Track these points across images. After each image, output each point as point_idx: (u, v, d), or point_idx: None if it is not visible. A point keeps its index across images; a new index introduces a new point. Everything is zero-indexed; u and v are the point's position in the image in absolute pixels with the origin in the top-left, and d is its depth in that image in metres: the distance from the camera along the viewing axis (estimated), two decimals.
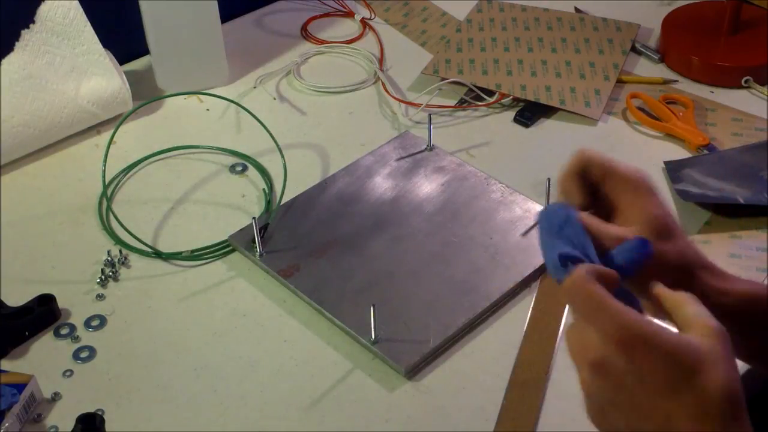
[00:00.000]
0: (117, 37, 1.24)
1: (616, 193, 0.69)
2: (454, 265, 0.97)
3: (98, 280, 0.98)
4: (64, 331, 0.93)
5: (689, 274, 0.67)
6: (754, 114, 1.18)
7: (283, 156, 1.10)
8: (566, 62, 1.25)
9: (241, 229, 1.02)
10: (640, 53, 1.30)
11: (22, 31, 1.11)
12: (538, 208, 1.03)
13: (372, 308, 0.87)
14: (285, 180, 1.08)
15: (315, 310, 0.94)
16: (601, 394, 0.58)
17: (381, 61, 1.30)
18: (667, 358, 0.55)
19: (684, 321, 0.59)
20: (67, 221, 1.07)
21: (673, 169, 1.08)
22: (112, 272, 0.99)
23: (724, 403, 0.56)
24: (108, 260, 1.00)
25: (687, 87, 1.24)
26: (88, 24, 1.15)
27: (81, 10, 1.14)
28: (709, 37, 1.28)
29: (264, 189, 1.10)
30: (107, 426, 0.81)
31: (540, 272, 0.97)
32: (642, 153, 1.13)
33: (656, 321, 0.57)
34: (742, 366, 0.87)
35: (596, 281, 0.58)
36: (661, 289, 0.61)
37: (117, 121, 1.15)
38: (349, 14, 1.40)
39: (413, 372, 0.88)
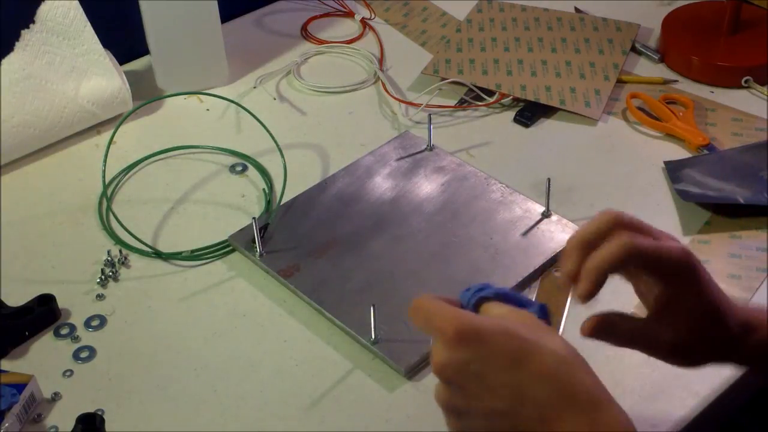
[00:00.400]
0: (117, 37, 1.24)
1: (660, 279, 0.69)
2: (454, 265, 0.97)
3: (98, 280, 0.98)
4: (64, 331, 0.93)
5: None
6: (754, 114, 1.18)
7: (283, 156, 1.10)
8: (566, 62, 1.25)
9: (241, 229, 1.02)
10: (640, 53, 1.30)
11: (22, 31, 1.11)
12: (539, 208, 1.03)
13: (372, 308, 0.87)
14: (285, 180, 1.08)
15: (315, 310, 0.94)
16: (454, 396, 0.63)
17: (381, 61, 1.31)
18: (504, 341, 0.60)
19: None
20: (67, 221, 1.07)
21: (673, 169, 1.08)
22: (112, 272, 0.99)
23: (570, 356, 0.61)
24: (108, 260, 1.00)
25: (687, 87, 1.24)
26: (88, 24, 1.15)
27: (81, 10, 1.14)
28: (709, 37, 1.28)
29: (264, 189, 1.10)
30: (107, 426, 0.81)
31: (540, 272, 0.97)
32: (642, 153, 1.13)
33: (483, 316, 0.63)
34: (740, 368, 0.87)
35: (432, 299, 0.64)
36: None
37: (117, 121, 1.15)
38: (349, 14, 1.40)
39: (413, 372, 0.88)
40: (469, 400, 0.62)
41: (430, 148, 1.12)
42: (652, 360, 0.88)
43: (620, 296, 0.76)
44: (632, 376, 0.87)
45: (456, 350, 0.61)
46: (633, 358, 0.88)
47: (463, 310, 0.64)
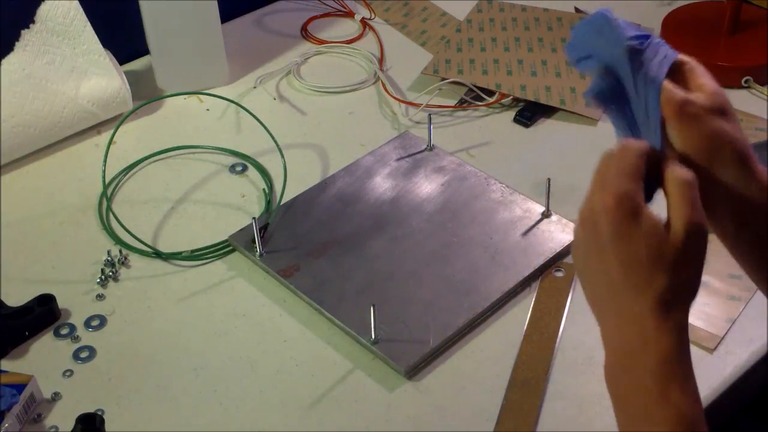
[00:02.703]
0: (117, 37, 1.24)
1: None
2: (454, 265, 0.97)
3: (98, 280, 0.98)
4: (64, 331, 0.93)
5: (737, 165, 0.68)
6: (754, 114, 1.18)
7: (283, 156, 1.10)
8: (566, 62, 1.25)
9: (241, 229, 1.02)
10: None
11: (22, 31, 1.11)
12: (539, 208, 1.03)
13: (372, 308, 0.87)
14: (285, 180, 1.08)
15: (315, 310, 0.94)
16: (580, 238, 0.63)
17: (381, 61, 1.30)
18: (646, 239, 0.60)
19: (675, 212, 0.62)
20: (67, 221, 1.07)
21: None
22: (112, 272, 0.99)
23: (690, 293, 0.62)
24: (108, 260, 1.00)
25: None
26: (88, 24, 1.15)
27: (81, 10, 1.14)
28: (709, 37, 1.28)
29: (264, 189, 1.10)
30: (107, 426, 0.81)
31: (540, 272, 0.97)
32: None
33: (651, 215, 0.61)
34: (743, 365, 0.88)
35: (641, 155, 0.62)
36: (670, 168, 0.63)
37: (117, 121, 1.15)
38: (349, 14, 1.40)
39: (413, 372, 0.88)
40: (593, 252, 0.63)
41: (430, 148, 1.12)
42: None
43: None
44: None
45: (601, 216, 0.61)
46: None
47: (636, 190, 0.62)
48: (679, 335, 0.61)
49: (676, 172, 0.62)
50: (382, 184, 1.08)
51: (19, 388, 0.84)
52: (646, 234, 0.60)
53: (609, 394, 0.63)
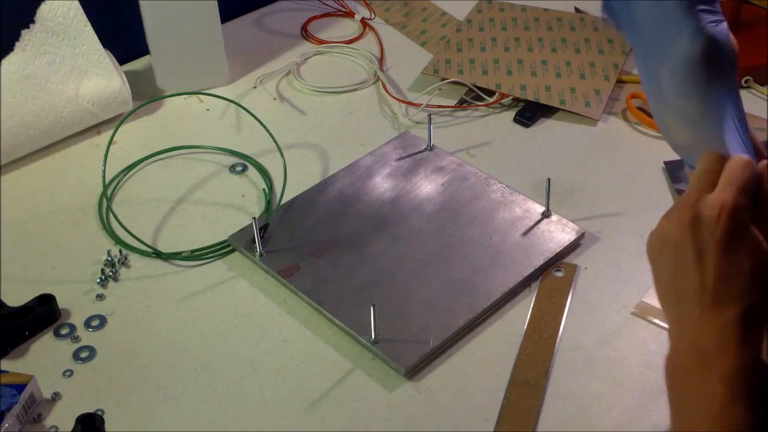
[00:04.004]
0: (117, 37, 1.24)
1: None
2: (454, 265, 0.97)
3: (98, 280, 0.98)
4: (64, 331, 0.93)
5: None
6: (754, 114, 1.18)
7: (283, 156, 1.10)
8: (566, 62, 1.25)
9: (241, 229, 1.02)
10: None
11: (22, 31, 1.11)
12: (539, 208, 1.03)
13: (372, 308, 0.87)
14: (285, 180, 1.08)
15: (315, 310, 0.94)
16: (676, 235, 0.64)
17: (381, 61, 1.31)
18: (748, 256, 0.62)
19: None
20: (67, 221, 1.07)
21: (673, 169, 1.08)
22: (112, 272, 0.99)
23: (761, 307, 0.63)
24: (108, 260, 1.00)
25: None
26: (88, 24, 1.15)
27: (81, 10, 1.14)
28: None
29: (264, 189, 1.10)
30: (107, 426, 0.81)
31: (540, 272, 0.97)
32: (642, 153, 1.13)
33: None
34: None
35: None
36: None
37: (117, 121, 1.15)
38: (349, 14, 1.40)
39: (413, 372, 0.88)
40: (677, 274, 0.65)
41: (430, 148, 1.12)
42: (652, 360, 0.88)
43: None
44: (633, 377, 0.87)
45: (680, 230, 0.64)
46: (633, 359, 0.89)
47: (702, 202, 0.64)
48: (756, 351, 0.62)
49: None
50: (382, 184, 1.08)
51: (19, 388, 0.84)
52: (750, 251, 0.62)
53: (667, 387, 0.65)
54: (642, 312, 0.92)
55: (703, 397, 0.62)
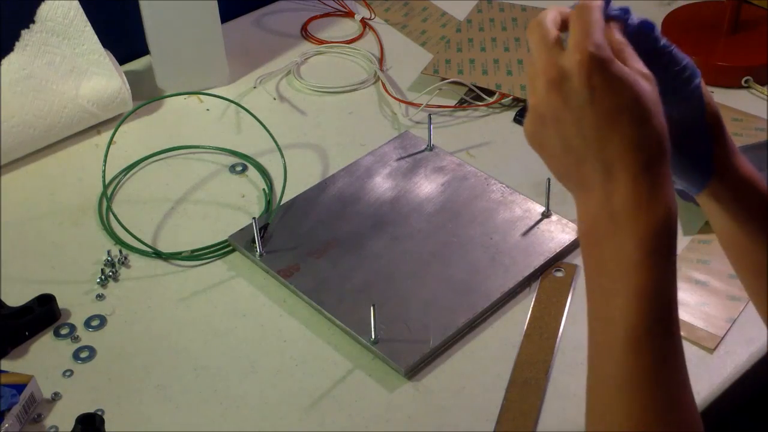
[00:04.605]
0: (117, 37, 1.24)
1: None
2: (454, 265, 0.97)
3: (98, 280, 0.98)
4: (64, 331, 0.93)
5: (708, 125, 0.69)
6: (754, 114, 1.18)
7: (283, 156, 1.10)
8: None
9: (241, 229, 1.02)
10: None
11: (22, 31, 1.11)
12: (539, 208, 1.03)
13: (372, 308, 0.87)
14: (285, 180, 1.08)
15: (315, 310, 0.94)
16: (549, 107, 0.61)
17: (381, 61, 1.31)
18: (624, 90, 0.59)
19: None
20: (67, 221, 1.07)
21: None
22: (112, 272, 0.99)
23: (658, 146, 0.60)
24: (108, 260, 1.00)
25: None
26: (88, 24, 1.15)
27: (81, 10, 1.14)
28: (709, 37, 1.28)
29: (264, 189, 1.10)
30: (107, 426, 0.81)
31: (540, 272, 0.97)
32: None
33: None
34: (743, 365, 0.88)
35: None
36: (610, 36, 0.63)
37: (117, 121, 1.15)
38: (349, 14, 1.40)
39: (413, 372, 0.88)
40: (558, 121, 0.61)
41: (430, 148, 1.12)
42: None
43: None
44: None
45: (575, 71, 0.59)
46: None
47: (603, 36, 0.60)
48: (669, 208, 0.60)
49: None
50: (382, 184, 1.08)
51: (19, 388, 0.84)
52: (628, 86, 0.59)
53: (583, 262, 0.62)
54: None
55: (617, 262, 0.60)
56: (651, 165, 0.59)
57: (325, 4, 1.42)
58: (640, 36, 0.65)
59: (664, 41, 0.66)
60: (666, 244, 0.60)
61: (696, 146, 0.69)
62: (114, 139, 1.09)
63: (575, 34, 0.60)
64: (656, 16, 1.34)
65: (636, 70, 0.60)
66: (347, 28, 1.38)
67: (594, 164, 0.60)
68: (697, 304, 0.93)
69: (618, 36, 0.63)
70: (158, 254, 1.01)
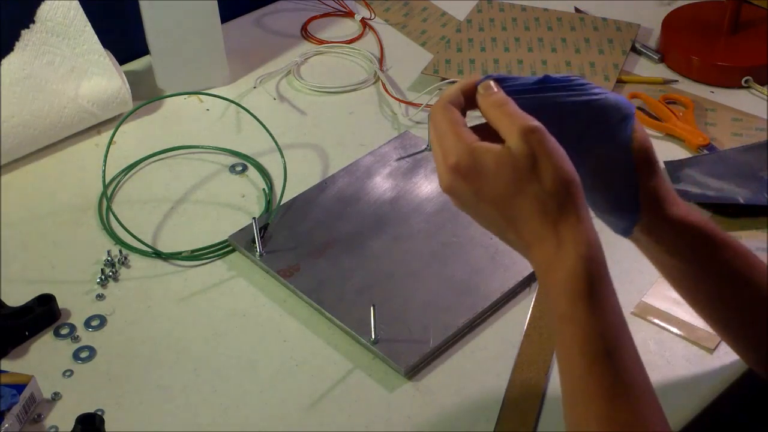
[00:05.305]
0: (117, 37, 1.24)
1: None
2: (454, 265, 0.97)
3: (98, 280, 0.98)
4: (64, 331, 0.93)
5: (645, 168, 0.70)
6: (754, 114, 1.18)
7: (283, 156, 1.10)
8: (566, 62, 1.25)
9: (241, 229, 1.02)
10: (640, 53, 1.30)
11: (22, 31, 1.11)
12: None
13: (372, 308, 0.87)
14: (285, 180, 1.08)
15: (315, 310, 0.94)
16: (461, 192, 0.66)
17: (381, 61, 1.31)
18: (500, 171, 0.63)
19: (504, 129, 0.64)
20: (67, 221, 1.07)
21: (673, 169, 1.08)
22: (112, 272, 0.99)
23: (559, 188, 0.62)
24: (108, 260, 1.00)
25: (687, 87, 1.24)
26: (88, 24, 1.15)
27: (81, 10, 1.14)
28: (709, 37, 1.28)
29: (264, 189, 1.10)
30: (107, 426, 0.81)
31: None
32: None
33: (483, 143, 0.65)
34: (743, 365, 0.87)
35: (452, 108, 0.66)
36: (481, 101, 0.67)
37: (117, 121, 1.15)
38: (349, 14, 1.40)
39: (413, 372, 0.88)
40: (480, 198, 0.66)
41: (430, 148, 1.12)
42: (652, 360, 0.88)
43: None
44: None
45: (456, 180, 0.65)
46: None
47: (467, 139, 0.65)
48: (580, 255, 0.62)
49: (492, 97, 0.66)
50: (382, 184, 1.08)
51: (19, 388, 0.84)
52: (495, 164, 0.63)
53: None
54: (642, 312, 0.92)
55: (551, 310, 0.64)
56: (556, 221, 0.63)
57: (325, 4, 1.42)
58: (542, 89, 0.67)
59: (593, 88, 0.68)
60: (585, 288, 0.62)
61: (622, 186, 0.70)
62: (114, 139, 1.09)
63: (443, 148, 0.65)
64: (656, 16, 1.34)
65: (521, 127, 0.63)
66: (347, 28, 1.38)
67: (511, 237, 0.67)
68: None
69: (496, 96, 0.66)
70: (158, 254, 1.01)
